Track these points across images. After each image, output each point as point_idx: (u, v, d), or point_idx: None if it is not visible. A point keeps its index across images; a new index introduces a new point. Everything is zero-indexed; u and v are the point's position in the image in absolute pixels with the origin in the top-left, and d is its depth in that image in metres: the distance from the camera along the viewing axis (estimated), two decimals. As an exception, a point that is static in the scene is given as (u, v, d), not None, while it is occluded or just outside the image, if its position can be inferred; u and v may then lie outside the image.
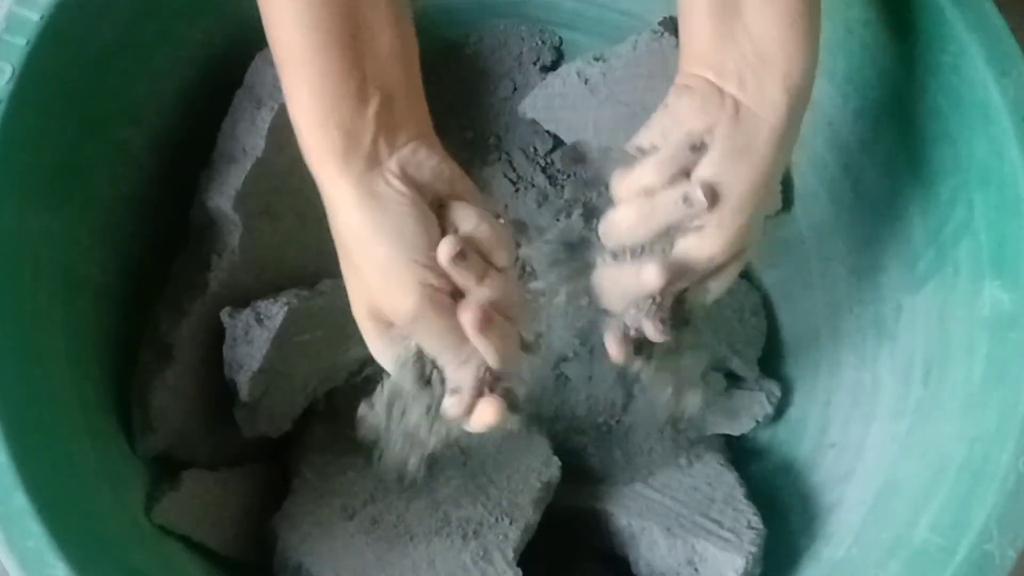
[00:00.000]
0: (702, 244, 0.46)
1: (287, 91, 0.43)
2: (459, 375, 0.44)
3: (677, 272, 0.46)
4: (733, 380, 0.68)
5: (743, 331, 0.68)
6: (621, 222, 0.47)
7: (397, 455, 0.49)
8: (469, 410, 0.45)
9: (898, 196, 0.57)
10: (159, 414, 0.54)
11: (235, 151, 0.57)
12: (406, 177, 0.43)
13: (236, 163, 0.57)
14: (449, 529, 0.56)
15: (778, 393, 0.66)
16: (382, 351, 0.45)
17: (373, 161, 0.43)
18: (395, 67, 0.44)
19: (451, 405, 0.45)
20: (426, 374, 0.45)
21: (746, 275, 0.70)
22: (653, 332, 0.47)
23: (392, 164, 0.43)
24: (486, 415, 0.44)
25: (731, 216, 0.45)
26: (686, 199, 0.45)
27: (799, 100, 0.46)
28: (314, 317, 0.58)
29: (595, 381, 0.66)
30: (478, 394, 0.45)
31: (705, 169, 0.45)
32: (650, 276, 0.46)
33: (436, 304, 0.43)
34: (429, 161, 0.45)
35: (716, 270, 0.47)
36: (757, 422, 0.65)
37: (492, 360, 0.44)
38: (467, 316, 0.43)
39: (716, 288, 0.48)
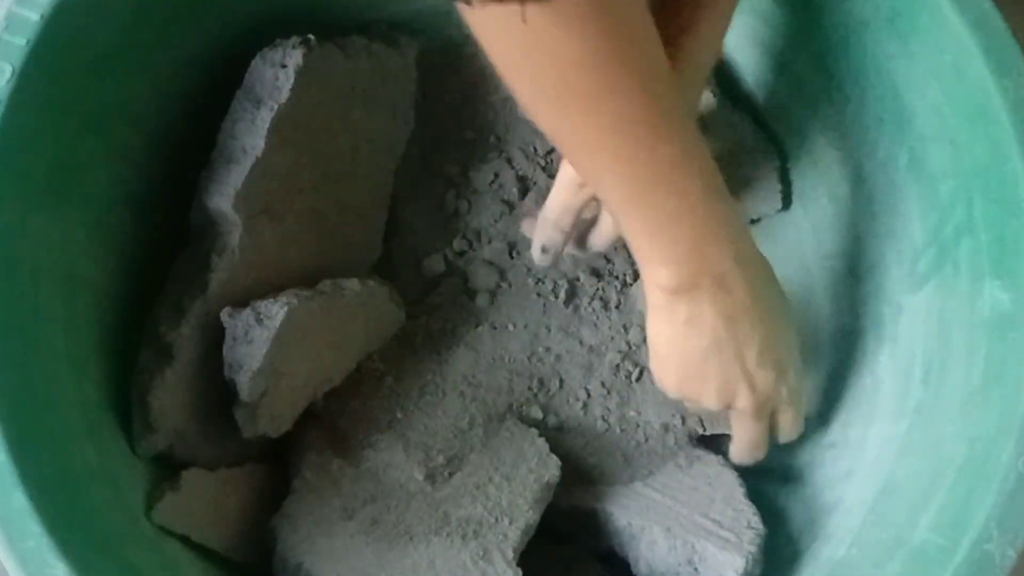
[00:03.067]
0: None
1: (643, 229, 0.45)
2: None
3: None
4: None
5: None
6: None
7: None
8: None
9: (898, 196, 0.57)
10: (159, 414, 0.54)
11: (235, 151, 0.57)
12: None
13: (236, 163, 0.57)
14: (449, 529, 0.56)
15: None
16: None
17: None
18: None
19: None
20: None
21: None
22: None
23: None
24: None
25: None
26: None
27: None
28: (314, 317, 0.58)
29: (595, 381, 0.66)
30: None
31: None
32: None
33: None
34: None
35: None
36: None
37: None
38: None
39: None
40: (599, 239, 0.63)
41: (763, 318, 0.49)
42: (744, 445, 0.55)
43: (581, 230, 0.63)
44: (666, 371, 0.51)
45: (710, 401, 0.51)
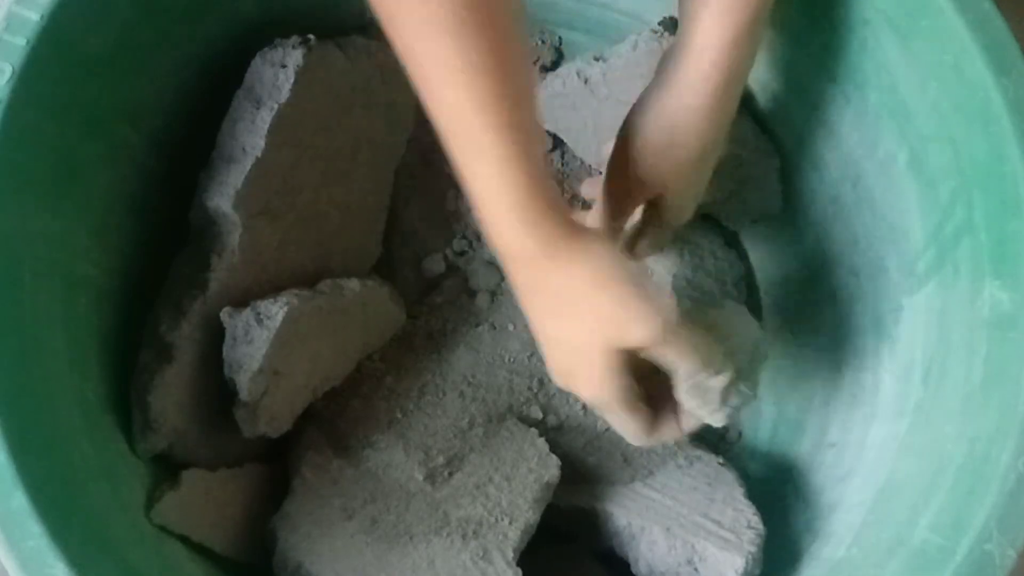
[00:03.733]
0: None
1: (491, 177, 0.43)
2: (716, 382, 0.49)
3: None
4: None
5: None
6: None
7: None
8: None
9: (898, 196, 0.57)
10: (159, 414, 0.54)
11: (235, 151, 0.57)
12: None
13: (236, 163, 0.57)
14: (449, 529, 0.56)
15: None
16: (610, 384, 0.48)
17: (575, 219, 0.46)
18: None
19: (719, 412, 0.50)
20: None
21: (733, 246, 0.70)
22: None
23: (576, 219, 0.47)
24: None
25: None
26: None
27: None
28: (314, 317, 0.58)
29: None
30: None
31: None
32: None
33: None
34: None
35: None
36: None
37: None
38: None
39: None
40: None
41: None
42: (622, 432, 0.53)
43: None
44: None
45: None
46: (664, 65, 0.53)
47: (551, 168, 0.54)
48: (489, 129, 0.41)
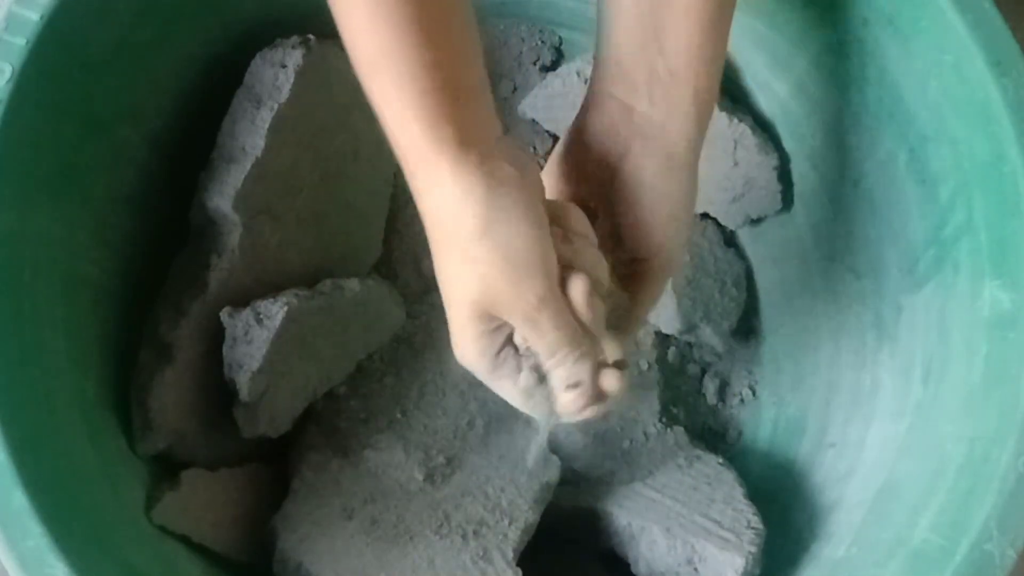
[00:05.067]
0: (641, 300, 0.49)
1: (381, 94, 0.41)
2: (577, 369, 0.45)
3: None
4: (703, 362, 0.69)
5: (721, 301, 0.68)
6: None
7: None
8: (594, 399, 0.46)
9: (898, 196, 0.57)
10: (158, 414, 0.54)
11: (235, 151, 0.57)
12: (516, 165, 0.43)
13: (236, 163, 0.57)
14: (449, 529, 0.56)
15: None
16: (473, 350, 0.45)
17: (487, 151, 0.42)
18: (478, 60, 0.43)
19: (574, 399, 0.46)
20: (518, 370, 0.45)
21: (733, 246, 0.70)
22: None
23: (501, 153, 0.42)
24: (614, 387, 0.46)
25: (663, 254, 0.48)
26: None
27: (707, 112, 0.48)
28: (314, 317, 0.58)
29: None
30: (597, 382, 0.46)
31: (626, 215, 0.47)
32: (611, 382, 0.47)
33: (559, 292, 0.43)
34: (524, 152, 0.46)
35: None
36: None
37: (613, 348, 0.46)
38: (579, 285, 0.44)
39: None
40: None
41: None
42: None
43: None
44: None
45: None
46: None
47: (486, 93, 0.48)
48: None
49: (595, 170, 0.49)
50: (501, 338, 0.45)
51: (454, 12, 0.42)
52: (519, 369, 0.45)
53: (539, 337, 0.44)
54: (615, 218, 0.49)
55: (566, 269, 0.44)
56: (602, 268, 0.46)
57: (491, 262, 0.42)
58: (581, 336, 0.44)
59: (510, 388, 0.46)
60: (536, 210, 0.43)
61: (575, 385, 0.45)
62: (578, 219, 0.46)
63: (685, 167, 0.48)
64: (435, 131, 0.41)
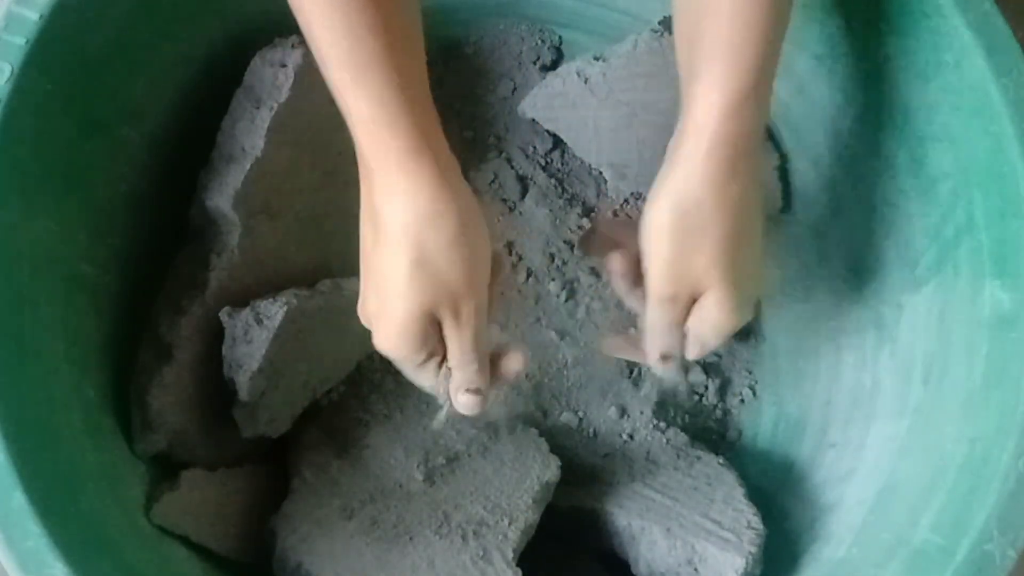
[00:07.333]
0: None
1: (350, 100, 0.44)
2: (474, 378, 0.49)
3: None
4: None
5: None
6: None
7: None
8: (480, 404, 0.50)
9: (898, 196, 0.57)
10: (158, 414, 0.54)
11: (234, 151, 0.57)
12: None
13: (235, 163, 0.57)
14: (449, 529, 0.56)
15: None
16: (402, 344, 0.48)
17: (443, 160, 0.45)
18: (423, 71, 0.46)
19: (466, 403, 0.50)
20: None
21: None
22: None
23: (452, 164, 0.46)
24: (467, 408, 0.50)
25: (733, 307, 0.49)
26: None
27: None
28: (314, 317, 0.58)
29: (594, 381, 0.66)
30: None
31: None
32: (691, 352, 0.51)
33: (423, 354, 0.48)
34: None
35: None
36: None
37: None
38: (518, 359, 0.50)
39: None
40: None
41: None
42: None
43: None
44: None
45: None
46: (673, 143, 0.49)
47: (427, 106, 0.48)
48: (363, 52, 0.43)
49: None
50: (427, 337, 0.47)
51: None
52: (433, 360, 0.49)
53: (459, 337, 0.47)
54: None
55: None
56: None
57: (413, 264, 0.45)
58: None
59: (418, 375, 0.50)
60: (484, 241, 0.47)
61: (474, 391, 0.49)
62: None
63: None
64: (396, 138, 0.44)
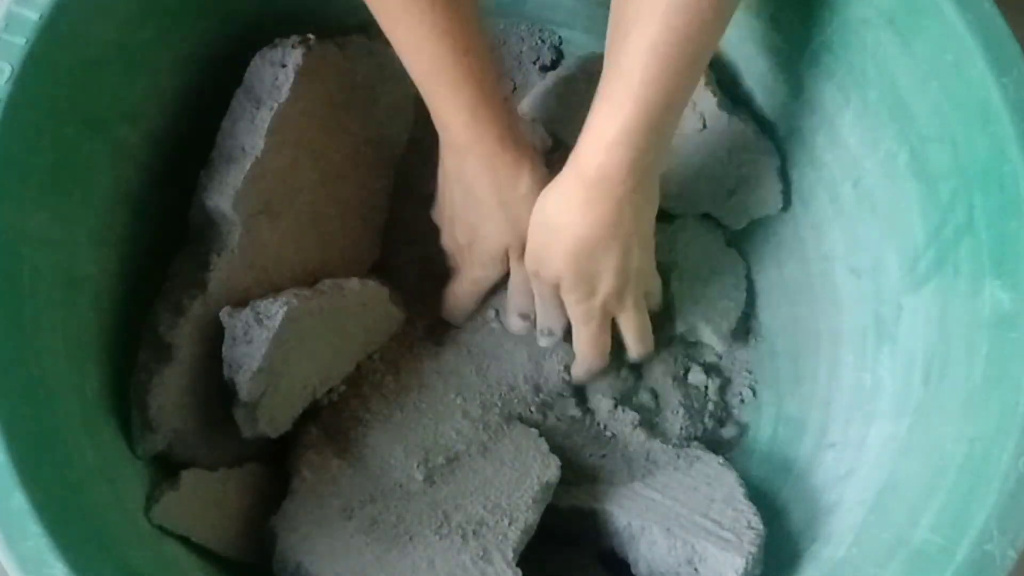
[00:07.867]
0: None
1: (450, 113, 0.57)
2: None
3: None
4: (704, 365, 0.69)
5: (720, 302, 0.68)
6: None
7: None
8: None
9: (898, 196, 0.57)
10: (158, 414, 0.54)
11: (234, 150, 0.57)
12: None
13: (235, 162, 0.57)
14: (449, 529, 0.56)
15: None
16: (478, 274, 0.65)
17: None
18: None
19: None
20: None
21: (733, 246, 0.70)
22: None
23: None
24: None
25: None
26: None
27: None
28: (314, 317, 0.58)
29: (594, 381, 0.66)
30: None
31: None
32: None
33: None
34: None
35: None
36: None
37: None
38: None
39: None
40: None
41: None
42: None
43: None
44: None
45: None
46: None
47: (503, 96, 0.59)
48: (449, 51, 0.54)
49: None
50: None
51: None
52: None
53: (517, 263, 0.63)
54: None
55: None
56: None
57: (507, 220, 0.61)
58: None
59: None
60: None
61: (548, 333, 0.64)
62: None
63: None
64: (495, 125, 0.58)
